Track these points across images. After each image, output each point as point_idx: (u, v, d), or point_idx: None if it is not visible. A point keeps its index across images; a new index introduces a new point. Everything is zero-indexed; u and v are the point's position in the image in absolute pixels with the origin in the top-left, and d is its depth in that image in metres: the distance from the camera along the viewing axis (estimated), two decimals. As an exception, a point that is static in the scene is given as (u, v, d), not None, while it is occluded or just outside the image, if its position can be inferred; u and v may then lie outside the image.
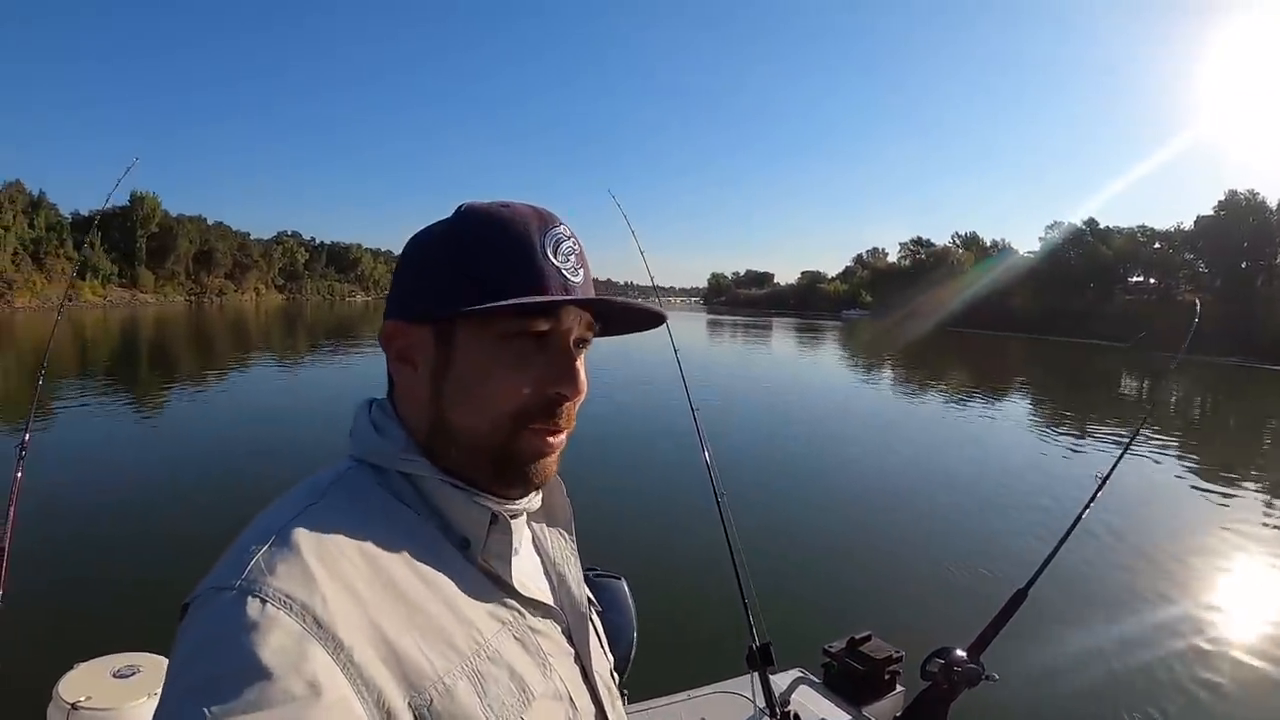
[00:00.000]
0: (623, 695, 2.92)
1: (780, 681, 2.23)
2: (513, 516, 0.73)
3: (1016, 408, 19.86)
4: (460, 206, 0.73)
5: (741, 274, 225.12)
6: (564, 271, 0.69)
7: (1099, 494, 1.94)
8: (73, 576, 5.57)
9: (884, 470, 10.93)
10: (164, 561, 5.79)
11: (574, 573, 0.82)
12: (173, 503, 7.85)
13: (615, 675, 0.87)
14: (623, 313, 0.74)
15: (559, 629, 0.75)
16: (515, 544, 0.73)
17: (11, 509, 1.84)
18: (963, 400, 20.64)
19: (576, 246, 0.72)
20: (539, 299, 0.66)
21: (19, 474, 1.96)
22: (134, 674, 2.21)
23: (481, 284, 0.67)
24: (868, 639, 2.53)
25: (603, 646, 0.86)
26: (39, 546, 5.47)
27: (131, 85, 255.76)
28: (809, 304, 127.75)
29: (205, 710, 0.48)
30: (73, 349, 25.03)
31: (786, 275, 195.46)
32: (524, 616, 0.70)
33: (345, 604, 0.57)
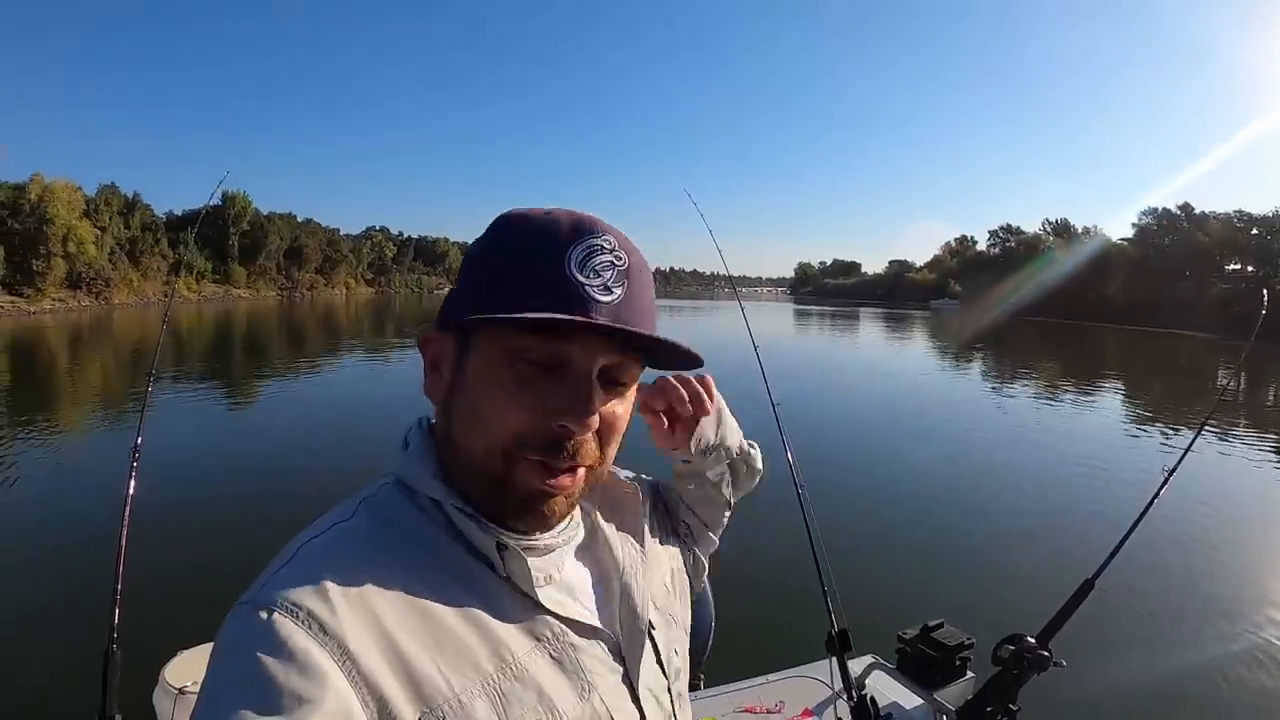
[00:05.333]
0: (700, 680, 3.01)
1: (855, 666, 2.31)
2: (527, 550, 0.67)
3: (1097, 401, 19.22)
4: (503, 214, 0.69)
5: (828, 263, 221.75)
6: (589, 288, 0.61)
7: (1165, 488, 1.99)
8: (174, 568, 5.67)
9: (960, 462, 10.87)
10: (266, 554, 5.95)
11: (640, 586, 0.77)
12: (273, 496, 8.03)
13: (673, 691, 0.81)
14: (655, 345, 0.66)
15: (604, 647, 0.70)
16: (547, 569, 0.70)
17: (126, 510, 1.87)
18: (1044, 393, 20.12)
19: (618, 261, 0.63)
20: (539, 315, 0.59)
21: (133, 480, 1.96)
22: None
23: (492, 294, 0.63)
24: (940, 626, 2.59)
25: (661, 665, 0.78)
26: (145, 540, 5.75)
27: (223, 92, 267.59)
28: (897, 294, 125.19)
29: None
30: (170, 342, 25.75)
31: (874, 265, 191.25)
32: (565, 634, 0.67)
33: (356, 615, 0.57)
